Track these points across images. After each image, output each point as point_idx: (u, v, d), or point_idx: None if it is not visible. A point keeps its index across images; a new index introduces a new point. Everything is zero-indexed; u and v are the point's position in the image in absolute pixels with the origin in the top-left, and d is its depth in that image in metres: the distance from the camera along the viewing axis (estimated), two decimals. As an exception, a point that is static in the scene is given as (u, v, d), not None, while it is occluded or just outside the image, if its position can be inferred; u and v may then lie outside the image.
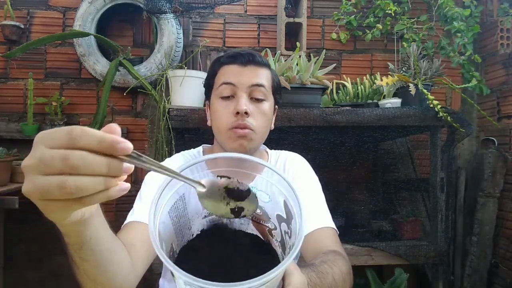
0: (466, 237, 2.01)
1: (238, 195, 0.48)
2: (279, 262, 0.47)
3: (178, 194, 0.52)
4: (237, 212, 0.49)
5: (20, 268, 1.98)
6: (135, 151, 0.39)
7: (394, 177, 2.11)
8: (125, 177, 0.41)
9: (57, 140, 0.37)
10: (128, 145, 0.38)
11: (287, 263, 0.40)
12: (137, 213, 0.84)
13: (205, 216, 0.59)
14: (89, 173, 0.37)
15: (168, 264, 0.40)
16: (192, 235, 0.59)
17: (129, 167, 0.40)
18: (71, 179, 0.36)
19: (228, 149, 0.89)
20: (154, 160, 0.41)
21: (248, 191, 0.49)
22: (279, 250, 0.54)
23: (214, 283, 0.37)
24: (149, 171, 0.41)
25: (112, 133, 0.39)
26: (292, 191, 0.48)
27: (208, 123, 0.98)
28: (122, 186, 0.40)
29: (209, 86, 0.96)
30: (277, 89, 0.97)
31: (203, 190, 0.46)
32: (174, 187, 0.50)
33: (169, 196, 0.50)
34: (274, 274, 0.38)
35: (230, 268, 0.52)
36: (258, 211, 0.55)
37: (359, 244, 1.66)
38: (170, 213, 0.52)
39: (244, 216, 0.49)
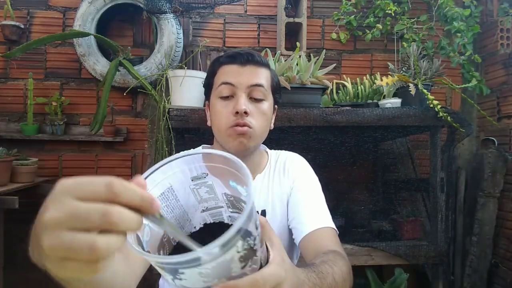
0: (466, 237, 2.01)
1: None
2: None
3: (164, 186, 0.52)
4: None
5: (20, 268, 1.98)
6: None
7: (394, 177, 2.11)
8: None
9: (92, 193, 0.34)
10: (158, 205, 0.37)
11: (234, 230, 0.38)
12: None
13: (203, 210, 0.59)
14: (123, 229, 0.34)
15: (133, 249, 0.39)
16: (195, 227, 0.59)
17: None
18: (102, 238, 0.33)
19: (228, 148, 0.89)
20: (171, 222, 0.41)
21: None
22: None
23: (168, 256, 0.37)
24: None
25: (144, 188, 0.37)
26: (246, 173, 0.45)
27: (208, 123, 0.98)
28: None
29: (208, 86, 0.96)
30: (277, 89, 0.97)
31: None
32: (157, 180, 0.49)
33: (151, 187, 0.49)
34: (218, 243, 0.37)
35: None
36: (243, 205, 0.56)
37: (359, 244, 1.66)
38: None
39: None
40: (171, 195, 0.53)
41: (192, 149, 1.06)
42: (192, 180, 0.55)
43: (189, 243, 0.41)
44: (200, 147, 1.06)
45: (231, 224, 0.59)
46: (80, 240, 0.32)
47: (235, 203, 0.56)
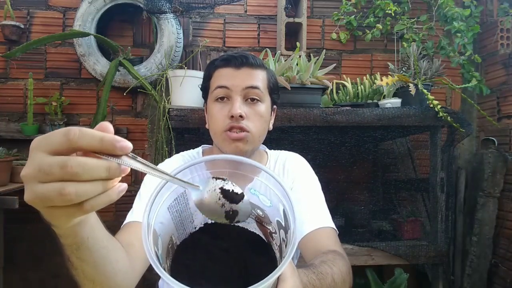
0: (466, 237, 2.01)
1: (232, 197, 0.48)
2: (277, 265, 0.48)
3: (177, 192, 0.52)
4: (231, 216, 0.48)
5: (20, 268, 1.98)
6: (131, 152, 0.39)
7: (394, 177, 2.11)
8: (120, 178, 0.40)
9: (54, 144, 0.36)
10: (128, 144, 0.38)
11: (278, 273, 0.39)
12: (137, 213, 0.84)
13: None
14: (89, 178, 0.36)
15: (162, 275, 0.40)
16: (195, 228, 0.59)
17: (126, 168, 0.39)
18: (70, 185, 0.35)
19: (225, 152, 0.89)
20: (149, 163, 0.41)
21: (242, 194, 0.49)
22: (277, 254, 0.54)
23: None
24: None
25: (106, 131, 0.38)
26: (288, 199, 0.48)
27: (207, 125, 0.98)
28: (121, 187, 0.40)
29: (205, 89, 0.96)
30: (274, 89, 0.97)
31: (198, 191, 0.46)
32: (173, 185, 0.50)
33: (168, 193, 0.50)
34: (264, 284, 0.38)
35: (228, 264, 0.52)
36: (260, 212, 0.56)
37: (359, 244, 1.66)
38: (170, 209, 0.52)
39: (238, 221, 0.49)
40: (183, 199, 0.54)
41: (191, 150, 1.06)
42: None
43: (178, 182, 0.43)
44: (200, 148, 1.06)
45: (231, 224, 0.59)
46: (49, 188, 0.36)
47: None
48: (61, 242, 0.50)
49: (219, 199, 0.47)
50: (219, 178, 0.48)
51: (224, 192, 0.48)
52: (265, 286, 0.38)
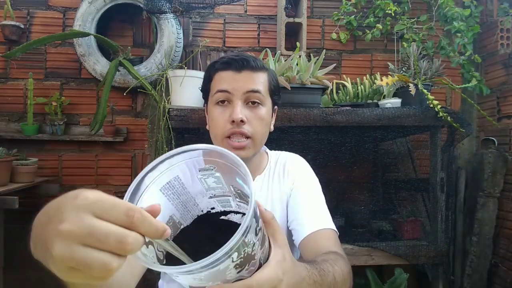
0: (466, 237, 2.01)
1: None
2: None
3: (172, 174, 0.53)
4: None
5: (20, 268, 1.98)
6: None
7: (394, 177, 2.11)
8: None
9: (111, 217, 0.35)
10: (169, 232, 0.39)
11: (240, 232, 0.40)
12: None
13: (211, 197, 0.60)
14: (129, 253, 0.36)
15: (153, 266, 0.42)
16: (202, 211, 0.61)
17: None
18: (115, 260, 0.34)
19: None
20: (175, 245, 0.43)
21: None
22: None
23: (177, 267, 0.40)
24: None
25: (158, 214, 0.40)
26: (246, 177, 0.48)
27: (207, 127, 0.98)
28: None
29: (205, 91, 0.96)
30: (275, 91, 0.96)
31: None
32: (161, 169, 0.51)
33: (154, 177, 0.51)
34: (210, 260, 0.39)
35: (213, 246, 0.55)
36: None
37: (359, 244, 1.66)
38: (163, 191, 0.53)
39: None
40: (178, 183, 0.55)
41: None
42: (199, 171, 0.56)
43: (184, 257, 0.44)
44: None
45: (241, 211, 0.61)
46: (93, 257, 0.33)
47: (242, 196, 0.57)
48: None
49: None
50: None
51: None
52: (213, 261, 0.39)
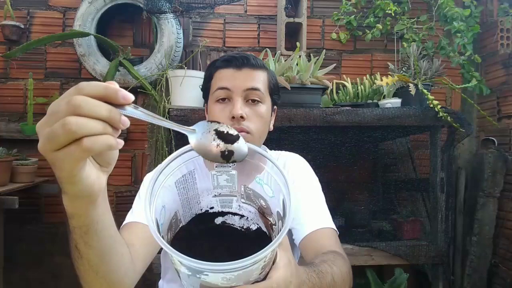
0: (466, 237, 2.01)
1: (227, 138, 0.50)
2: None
3: (187, 168, 0.55)
4: (227, 156, 0.50)
5: (20, 268, 1.98)
6: (132, 103, 0.42)
7: (394, 177, 2.11)
8: (119, 132, 0.43)
9: (66, 95, 0.40)
10: (130, 95, 0.41)
11: (270, 249, 0.41)
12: (136, 213, 0.84)
13: (215, 196, 0.60)
14: (90, 113, 0.39)
15: (162, 244, 0.42)
16: (201, 209, 0.61)
17: (126, 120, 0.42)
18: (72, 117, 0.38)
19: None
20: (148, 111, 0.43)
21: (237, 136, 0.50)
22: None
23: (201, 261, 0.40)
24: (149, 124, 0.42)
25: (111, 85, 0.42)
26: (287, 188, 0.49)
27: None
28: (119, 140, 0.43)
29: (206, 89, 0.96)
30: (275, 90, 0.97)
31: (193, 133, 0.49)
32: (181, 162, 0.52)
33: (174, 168, 0.52)
34: (252, 260, 0.40)
35: (221, 249, 0.55)
36: (263, 203, 0.57)
37: (359, 244, 1.66)
38: (177, 184, 0.54)
39: (234, 161, 0.50)
40: (191, 178, 0.56)
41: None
42: (216, 167, 0.56)
43: (176, 127, 0.46)
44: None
45: (240, 213, 0.61)
46: (54, 126, 0.39)
47: (252, 197, 0.57)
48: (71, 226, 0.51)
49: (214, 139, 0.49)
50: (213, 121, 0.50)
51: (219, 134, 0.50)
52: (253, 262, 0.40)
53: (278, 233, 0.45)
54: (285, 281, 0.49)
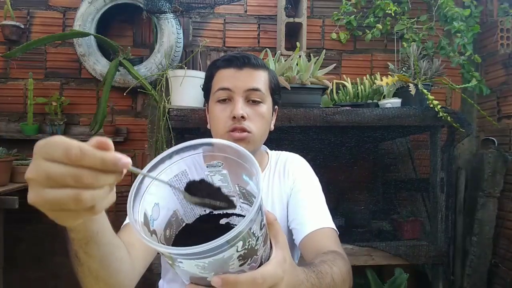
0: (466, 237, 2.01)
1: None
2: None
3: (179, 169, 0.54)
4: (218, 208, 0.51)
5: (20, 268, 1.98)
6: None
7: (394, 177, 2.11)
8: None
9: (56, 158, 0.36)
10: (128, 160, 0.39)
11: (232, 234, 0.40)
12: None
13: None
14: (101, 185, 0.38)
15: (141, 236, 0.43)
16: (205, 211, 0.60)
17: (126, 167, 0.41)
18: (86, 192, 0.36)
19: None
20: (142, 171, 0.44)
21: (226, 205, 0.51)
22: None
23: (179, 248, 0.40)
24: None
25: (106, 149, 0.38)
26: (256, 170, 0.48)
27: (208, 126, 0.98)
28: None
29: (207, 89, 0.97)
30: (275, 90, 0.97)
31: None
32: (172, 160, 0.52)
33: (168, 165, 0.51)
34: (216, 244, 0.40)
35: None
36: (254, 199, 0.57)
37: (359, 244, 1.66)
38: (171, 183, 0.54)
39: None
40: (185, 178, 0.55)
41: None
42: (207, 167, 0.56)
43: (173, 187, 0.46)
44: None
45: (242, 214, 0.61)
46: (62, 195, 0.36)
47: (247, 196, 0.57)
48: (70, 237, 0.51)
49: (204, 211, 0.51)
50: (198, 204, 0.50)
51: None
52: (218, 247, 0.40)
53: (261, 230, 0.45)
54: (274, 277, 0.47)
